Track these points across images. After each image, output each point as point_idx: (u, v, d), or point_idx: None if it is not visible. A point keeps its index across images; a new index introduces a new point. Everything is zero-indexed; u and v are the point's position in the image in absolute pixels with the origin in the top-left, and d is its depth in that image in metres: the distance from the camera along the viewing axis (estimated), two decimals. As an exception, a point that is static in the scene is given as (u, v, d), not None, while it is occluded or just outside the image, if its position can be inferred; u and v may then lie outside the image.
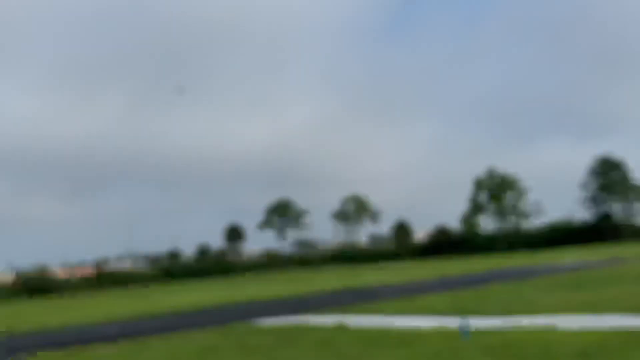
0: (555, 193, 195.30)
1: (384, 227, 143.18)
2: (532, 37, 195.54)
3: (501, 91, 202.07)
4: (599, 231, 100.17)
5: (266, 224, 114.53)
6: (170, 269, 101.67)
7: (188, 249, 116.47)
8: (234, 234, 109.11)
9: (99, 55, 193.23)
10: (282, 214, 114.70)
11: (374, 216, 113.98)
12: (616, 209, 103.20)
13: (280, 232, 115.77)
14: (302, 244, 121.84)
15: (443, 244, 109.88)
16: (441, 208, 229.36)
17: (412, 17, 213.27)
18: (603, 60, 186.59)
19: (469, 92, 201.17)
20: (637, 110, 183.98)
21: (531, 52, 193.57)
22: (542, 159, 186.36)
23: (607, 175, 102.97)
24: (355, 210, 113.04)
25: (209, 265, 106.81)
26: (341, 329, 16.23)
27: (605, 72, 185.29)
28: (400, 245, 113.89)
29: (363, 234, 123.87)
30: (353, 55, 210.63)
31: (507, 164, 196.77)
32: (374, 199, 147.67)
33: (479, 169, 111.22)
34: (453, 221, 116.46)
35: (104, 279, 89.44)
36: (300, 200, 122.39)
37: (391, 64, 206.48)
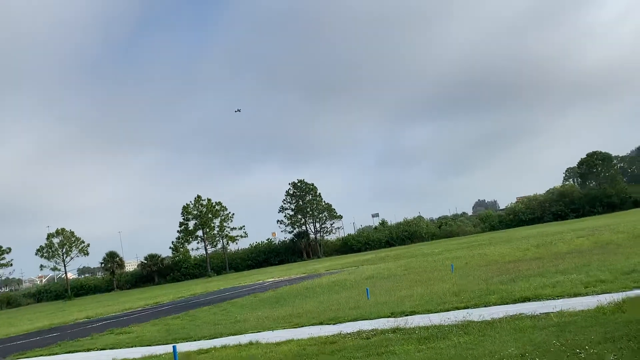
0: (261, 216, 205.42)
1: (94, 260, 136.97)
2: (250, 71, 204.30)
3: (219, 122, 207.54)
4: (298, 249, 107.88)
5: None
6: None
7: None
8: None
9: None
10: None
11: (83, 249, 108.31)
12: (311, 227, 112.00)
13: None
14: (4, 283, 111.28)
15: (155, 272, 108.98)
16: (154, 236, 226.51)
17: (137, 53, 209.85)
18: (310, 95, 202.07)
19: (188, 124, 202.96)
20: (329, 141, 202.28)
21: (249, 85, 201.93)
22: (252, 184, 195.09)
23: (301, 198, 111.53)
24: (61, 244, 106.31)
25: None
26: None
27: (311, 106, 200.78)
28: (112, 277, 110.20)
29: (72, 268, 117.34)
30: (78, 89, 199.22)
31: (220, 191, 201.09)
32: (84, 231, 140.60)
33: (192, 197, 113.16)
34: (165, 249, 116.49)
35: None
36: (1, 238, 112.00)
37: (116, 99, 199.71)
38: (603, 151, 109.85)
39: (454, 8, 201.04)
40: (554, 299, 14.27)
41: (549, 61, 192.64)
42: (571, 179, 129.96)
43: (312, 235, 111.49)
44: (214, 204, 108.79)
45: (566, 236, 39.61)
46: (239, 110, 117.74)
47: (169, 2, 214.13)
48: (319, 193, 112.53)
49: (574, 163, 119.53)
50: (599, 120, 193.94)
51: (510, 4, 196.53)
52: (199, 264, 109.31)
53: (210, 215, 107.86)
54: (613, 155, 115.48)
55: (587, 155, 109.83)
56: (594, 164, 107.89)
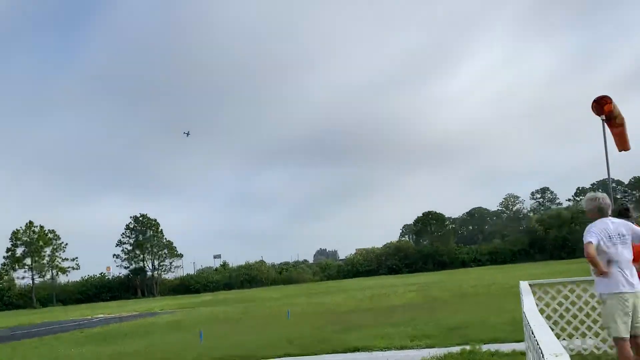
0: (99, 248, 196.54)
1: None
2: (108, 99, 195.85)
3: (68, 146, 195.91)
4: (133, 286, 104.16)
5: None
6: None
7: None
8: None
9: None
10: None
11: None
12: (149, 264, 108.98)
13: None
14: None
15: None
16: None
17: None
18: (168, 129, 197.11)
19: (34, 144, 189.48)
20: (181, 178, 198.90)
21: (104, 113, 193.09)
22: (94, 215, 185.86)
23: (142, 233, 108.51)
24: None
25: None
26: None
27: (168, 140, 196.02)
28: None
29: None
30: None
31: (59, 219, 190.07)
32: None
33: (21, 222, 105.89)
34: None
35: None
36: None
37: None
38: (438, 211, 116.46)
39: (315, 61, 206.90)
40: (382, 350, 14.74)
41: (401, 123, 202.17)
42: (407, 235, 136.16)
43: (149, 273, 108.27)
44: (46, 232, 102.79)
45: (399, 290, 41.23)
46: (187, 133, 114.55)
47: (33, 18, 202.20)
48: (161, 229, 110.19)
49: (411, 220, 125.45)
50: (437, 182, 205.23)
51: (368, 64, 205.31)
52: (24, 293, 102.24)
53: (41, 243, 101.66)
54: (446, 216, 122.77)
55: (423, 214, 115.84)
56: (428, 223, 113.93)
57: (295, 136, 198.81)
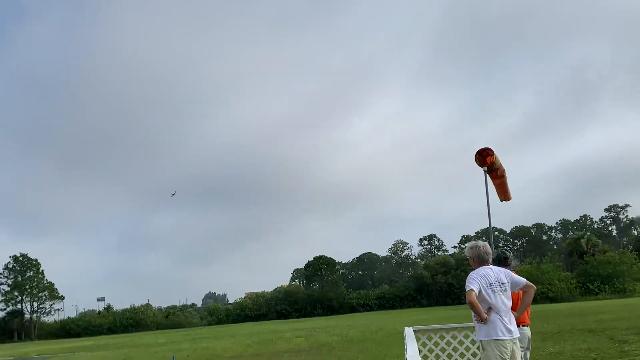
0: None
1: None
2: None
3: None
4: (10, 329, 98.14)
5: None
6: None
7: None
8: None
9: None
10: None
11: None
12: (28, 307, 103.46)
13: None
14: None
15: None
16: None
17: None
18: (59, 165, 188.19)
19: None
20: (69, 217, 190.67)
21: None
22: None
23: (21, 274, 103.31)
24: None
25: None
26: None
27: (59, 177, 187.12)
28: None
29: None
30: None
31: None
32: None
33: None
34: None
35: None
36: None
37: None
38: (328, 256, 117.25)
39: (214, 103, 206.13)
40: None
41: (296, 167, 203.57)
42: (298, 280, 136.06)
43: (27, 315, 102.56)
44: None
45: (286, 335, 40.91)
46: (173, 194, 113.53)
47: None
48: (42, 270, 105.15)
49: (302, 264, 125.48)
50: (329, 227, 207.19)
51: (266, 108, 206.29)
52: None
53: None
54: (337, 260, 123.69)
55: (314, 258, 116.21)
56: (319, 268, 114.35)
57: (190, 178, 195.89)
